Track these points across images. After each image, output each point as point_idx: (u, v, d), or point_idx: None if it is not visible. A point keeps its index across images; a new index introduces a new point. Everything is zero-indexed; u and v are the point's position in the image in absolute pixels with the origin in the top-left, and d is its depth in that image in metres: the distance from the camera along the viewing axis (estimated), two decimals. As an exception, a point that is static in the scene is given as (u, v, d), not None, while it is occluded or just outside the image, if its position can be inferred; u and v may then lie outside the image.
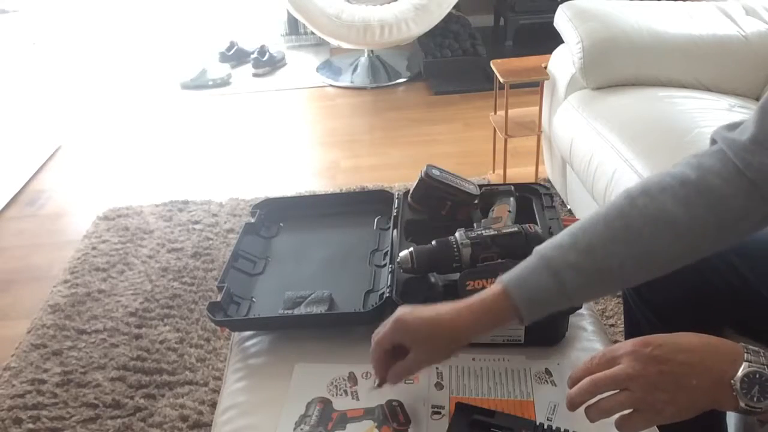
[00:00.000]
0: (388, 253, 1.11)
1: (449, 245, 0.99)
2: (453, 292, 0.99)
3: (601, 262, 0.76)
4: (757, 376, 0.63)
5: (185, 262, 2.07)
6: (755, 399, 0.63)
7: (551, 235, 1.09)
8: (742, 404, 0.63)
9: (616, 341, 1.43)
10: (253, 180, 2.59)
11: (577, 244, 0.77)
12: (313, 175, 2.65)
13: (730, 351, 0.66)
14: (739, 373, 0.64)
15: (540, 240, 0.96)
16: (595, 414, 0.69)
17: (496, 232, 1.00)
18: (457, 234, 1.00)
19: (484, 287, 0.94)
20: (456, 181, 1.16)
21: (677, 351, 0.66)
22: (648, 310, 1.07)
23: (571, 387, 0.71)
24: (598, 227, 0.77)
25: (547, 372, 0.93)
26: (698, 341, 0.67)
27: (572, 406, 0.70)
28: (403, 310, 0.82)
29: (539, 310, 0.79)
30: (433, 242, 1.00)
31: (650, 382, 0.65)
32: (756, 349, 0.66)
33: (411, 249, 1.00)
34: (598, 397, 0.69)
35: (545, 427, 0.79)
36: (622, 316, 1.71)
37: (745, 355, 0.65)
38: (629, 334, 1.18)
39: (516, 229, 1.01)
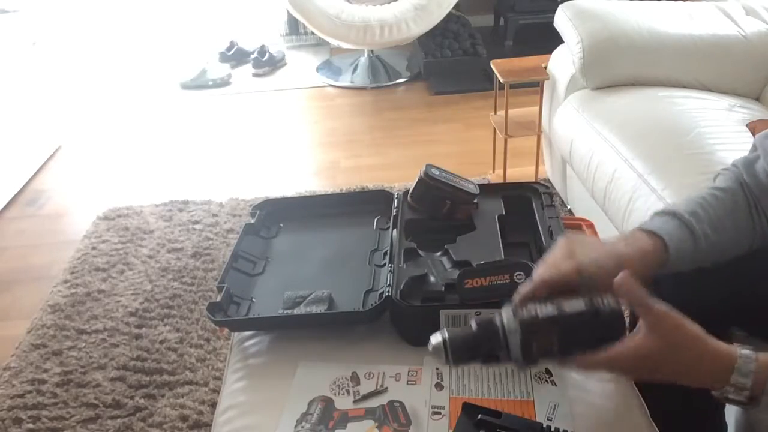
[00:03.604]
0: (388, 252, 1.12)
1: (493, 330, 0.75)
2: (453, 291, 0.99)
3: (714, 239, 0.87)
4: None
5: (185, 262, 2.07)
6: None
7: (552, 236, 1.09)
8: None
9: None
10: (253, 180, 2.59)
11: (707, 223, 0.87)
12: (313, 175, 2.65)
13: (719, 371, 0.69)
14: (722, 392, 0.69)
15: (619, 318, 0.74)
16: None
17: (556, 312, 0.75)
18: (503, 313, 0.76)
19: (482, 285, 0.95)
20: (455, 180, 1.17)
21: (670, 373, 0.71)
22: None
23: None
24: (718, 216, 0.88)
25: (547, 372, 0.93)
26: (691, 357, 0.70)
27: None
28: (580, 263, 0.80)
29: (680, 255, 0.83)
30: (473, 323, 0.77)
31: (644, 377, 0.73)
32: (745, 371, 0.68)
33: (444, 335, 0.76)
34: None
35: (552, 429, 0.79)
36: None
37: (733, 376, 0.68)
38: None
39: (584, 306, 0.74)
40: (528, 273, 0.94)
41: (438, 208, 1.17)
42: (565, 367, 0.76)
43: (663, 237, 0.82)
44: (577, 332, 0.74)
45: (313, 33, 3.48)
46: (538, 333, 0.73)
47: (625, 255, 0.81)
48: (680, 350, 0.70)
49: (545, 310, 0.74)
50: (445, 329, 0.77)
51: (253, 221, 1.25)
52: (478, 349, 0.76)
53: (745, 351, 0.69)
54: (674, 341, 0.70)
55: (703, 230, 0.85)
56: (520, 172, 2.40)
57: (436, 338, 0.76)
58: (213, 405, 1.53)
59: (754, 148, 0.95)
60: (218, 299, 1.06)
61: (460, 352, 0.76)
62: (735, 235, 0.89)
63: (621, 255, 0.81)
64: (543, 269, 0.81)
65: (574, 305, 0.75)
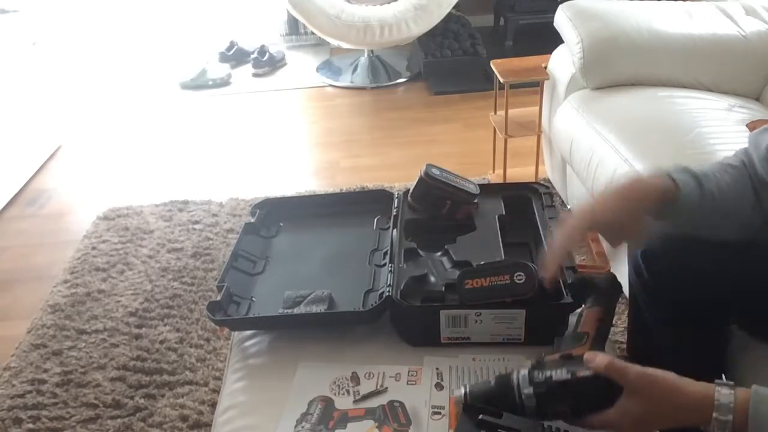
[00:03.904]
0: (388, 252, 1.12)
1: (509, 389, 0.81)
2: (453, 292, 0.99)
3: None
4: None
5: (185, 262, 2.07)
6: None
7: (552, 235, 1.09)
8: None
9: (615, 341, 1.43)
10: (253, 180, 2.59)
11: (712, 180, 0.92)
12: (313, 175, 2.65)
13: (702, 412, 0.72)
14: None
15: None
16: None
17: (569, 376, 0.78)
18: (520, 375, 0.81)
19: (482, 286, 0.95)
20: (456, 180, 1.17)
21: (658, 423, 0.75)
22: (653, 305, 1.07)
23: None
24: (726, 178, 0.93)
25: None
26: (672, 406, 0.74)
27: None
28: (583, 213, 0.91)
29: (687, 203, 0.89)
30: (492, 381, 0.84)
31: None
32: (726, 407, 0.71)
33: (466, 389, 0.84)
34: None
35: (552, 429, 0.79)
36: (622, 316, 1.71)
37: (714, 414, 0.71)
38: (633, 326, 1.18)
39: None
40: (528, 273, 0.94)
41: (438, 208, 1.17)
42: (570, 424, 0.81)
43: (676, 179, 0.89)
44: (589, 396, 0.77)
45: (313, 33, 3.48)
46: (550, 396, 0.78)
47: (631, 188, 0.89)
48: (661, 403, 0.74)
49: (559, 374, 0.78)
50: (468, 383, 0.84)
51: (253, 220, 1.25)
52: (494, 404, 0.81)
53: (724, 389, 0.72)
54: (653, 396, 0.74)
55: (710, 189, 0.90)
56: (520, 172, 2.39)
57: (459, 390, 0.84)
58: (213, 405, 1.53)
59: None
60: (218, 298, 1.06)
61: (478, 405, 0.82)
62: (738, 205, 0.93)
63: (631, 200, 0.88)
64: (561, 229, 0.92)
65: (587, 370, 0.77)
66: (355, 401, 0.91)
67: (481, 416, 0.81)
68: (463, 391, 0.83)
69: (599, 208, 0.90)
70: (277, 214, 1.30)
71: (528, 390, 0.78)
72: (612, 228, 0.91)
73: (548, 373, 0.78)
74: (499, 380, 0.82)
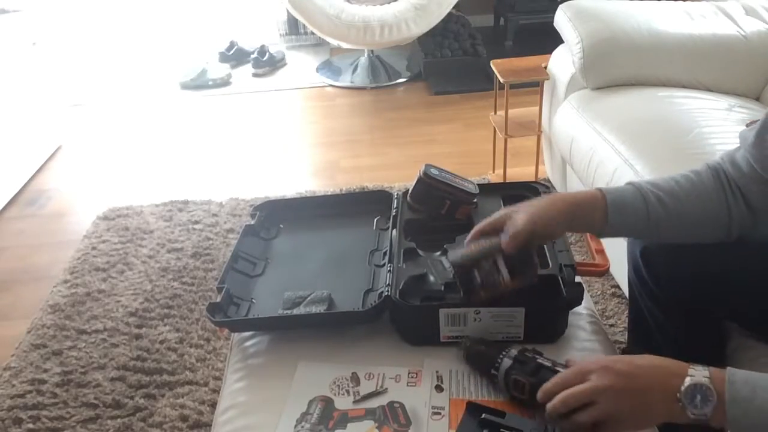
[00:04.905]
0: (387, 252, 1.12)
1: (499, 350, 0.90)
2: (452, 291, 0.99)
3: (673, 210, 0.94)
4: (698, 387, 0.72)
5: (185, 262, 2.07)
6: (698, 407, 0.71)
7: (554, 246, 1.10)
8: (689, 413, 0.72)
9: (615, 341, 1.43)
10: (253, 180, 2.60)
11: (664, 190, 0.95)
12: (313, 176, 2.65)
13: (678, 368, 0.75)
14: (683, 386, 0.72)
15: None
16: (568, 428, 0.78)
17: (549, 365, 0.86)
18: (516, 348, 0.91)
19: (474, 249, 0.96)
20: (455, 180, 1.17)
21: (637, 374, 0.76)
22: (653, 304, 1.07)
23: (543, 400, 0.79)
24: (681, 187, 0.96)
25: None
26: (652, 362, 0.77)
27: (550, 418, 0.79)
28: (508, 210, 0.96)
29: (621, 219, 0.93)
30: (493, 341, 0.94)
31: (617, 394, 0.75)
32: (701, 366, 0.74)
33: (469, 337, 0.96)
34: None
35: (554, 430, 0.79)
36: (622, 316, 1.71)
37: (689, 370, 0.74)
38: (632, 325, 1.18)
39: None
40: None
41: (437, 208, 1.17)
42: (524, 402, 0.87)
43: (605, 193, 0.93)
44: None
45: (313, 33, 3.48)
46: (524, 367, 0.86)
47: (559, 196, 0.95)
48: (635, 358, 0.78)
49: (544, 360, 0.86)
50: (472, 336, 0.96)
51: (253, 222, 1.25)
52: (480, 357, 0.93)
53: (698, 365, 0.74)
54: (624, 358, 0.79)
55: (657, 196, 0.93)
56: (520, 172, 2.40)
57: (466, 340, 0.96)
58: (213, 405, 1.53)
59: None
60: (218, 300, 1.06)
61: (474, 356, 0.94)
62: (702, 211, 0.95)
63: (555, 197, 0.95)
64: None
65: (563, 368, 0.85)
66: (355, 401, 0.91)
67: (483, 415, 0.81)
68: (466, 342, 0.95)
69: (540, 228, 0.92)
70: (277, 216, 1.30)
71: (513, 352, 0.88)
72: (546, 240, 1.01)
73: (537, 356, 0.87)
74: (496, 343, 0.93)
